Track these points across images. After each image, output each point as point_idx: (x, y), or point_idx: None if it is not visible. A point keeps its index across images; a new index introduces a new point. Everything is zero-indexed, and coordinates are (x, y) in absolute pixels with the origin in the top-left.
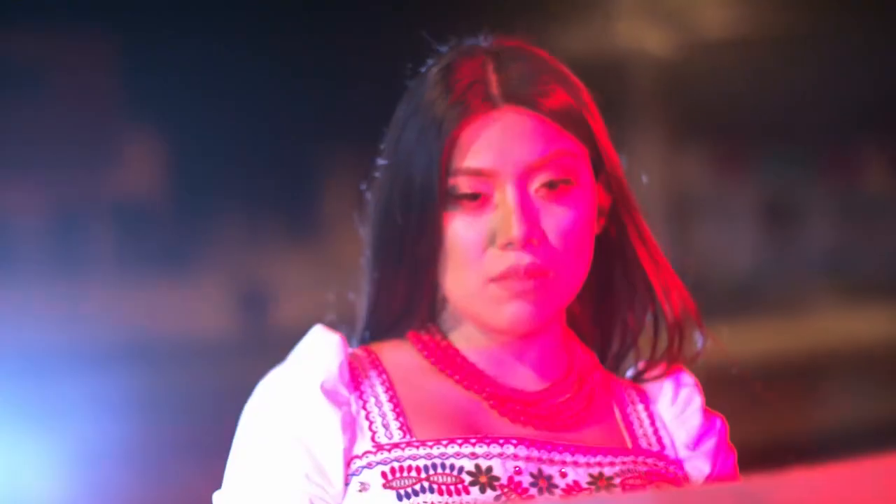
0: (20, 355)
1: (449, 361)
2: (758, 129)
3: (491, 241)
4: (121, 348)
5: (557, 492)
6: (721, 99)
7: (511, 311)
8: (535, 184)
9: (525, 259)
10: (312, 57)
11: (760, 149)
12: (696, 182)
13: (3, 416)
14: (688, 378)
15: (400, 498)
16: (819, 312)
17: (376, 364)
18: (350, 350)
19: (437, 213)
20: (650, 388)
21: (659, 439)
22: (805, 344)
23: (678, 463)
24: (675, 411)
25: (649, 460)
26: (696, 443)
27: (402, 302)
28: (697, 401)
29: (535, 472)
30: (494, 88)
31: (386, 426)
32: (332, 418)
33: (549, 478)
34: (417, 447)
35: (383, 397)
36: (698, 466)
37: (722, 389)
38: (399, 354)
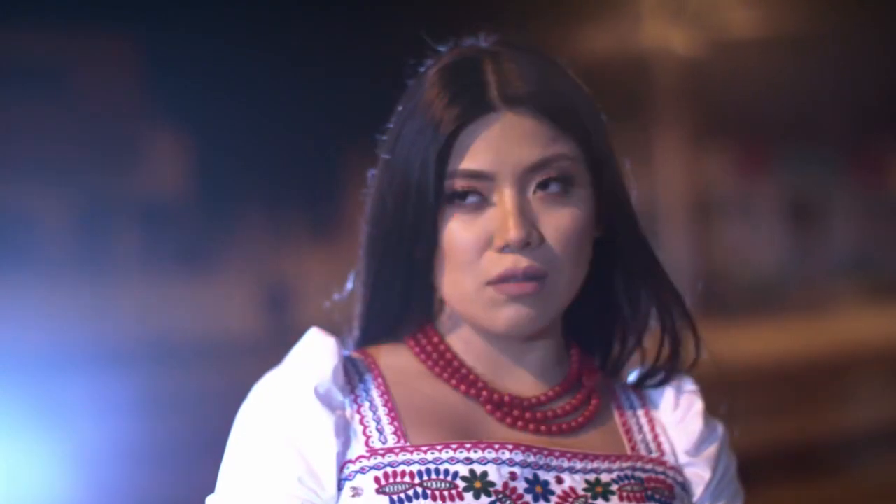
0: (45, 353)
1: (446, 365)
2: (782, 128)
3: (488, 243)
4: (144, 347)
5: (553, 498)
6: (745, 98)
7: (509, 314)
8: (533, 186)
9: (522, 262)
10: (337, 59)
11: (784, 147)
12: (719, 181)
13: (29, 412)
14: (689, 383)
15: (393, 503)
16: (843, 311)
17: (372, 367)
18: (347, 353)
19: (433, 215)
20: (651, 393)
21: (659, 445)
22: (829, 342)
23: (678, 469)
24: (676, 417)
25: (648, 466)
26: (697, 449)
27: (398, 304)
28: (698, 406)
29: (530, 477)
30: (493, 90)
31: (380, 430)
32: (325, 422)
33: (545, 484)
34: (411, 452)
35: (378, 401)
36: (698, 473)
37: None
38: (396, 358)
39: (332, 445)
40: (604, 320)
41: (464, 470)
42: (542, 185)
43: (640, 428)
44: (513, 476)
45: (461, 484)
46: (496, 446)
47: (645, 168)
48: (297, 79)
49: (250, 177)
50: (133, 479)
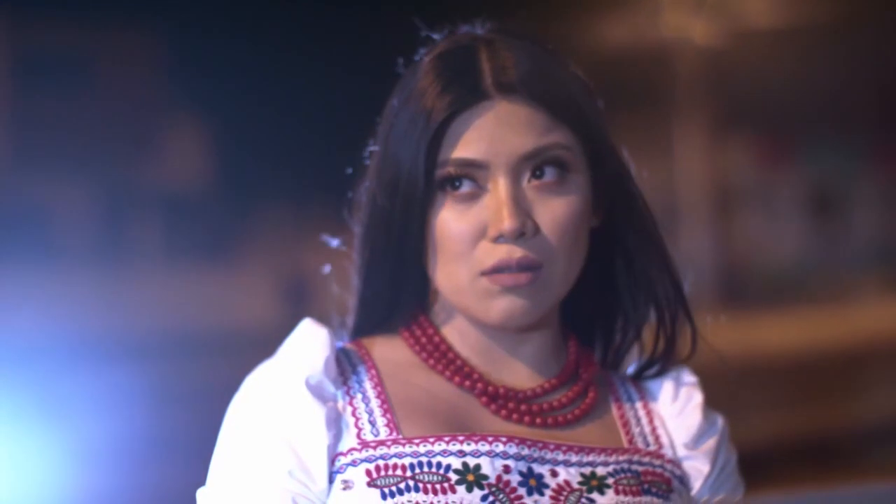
0: (65, 345)
1: (440, 357)
2: (804, 119)
3: (482, 233)
4: (163, 339)
5: (547, 491)
6: (767, 88)
7: (503, 305)
8: (528, 175)
9: (517, 252)
10: (360, 52)
11: (806, 138)
12: (740, 172)
13: (47, 406)
14: (689, 376)
15: (384, 496)
16: (866, 302)
17: (366, 359)
18: (340, 344)
19: (426, 205)
20: (650, 385)
21: (657, 438)
22: (851, 333)
23: (676, 462)
24: (675, 409)
25: (645, 459)
26: (696, 442)
27: (392, 294)
28: (698, 399)
29: (524, 470)
30: (487, 77)
31: (372, 423)
32: (316, 414)
33: (540, 477)
34: (404, 445)
35: (371, 393)
36: (697, 466)
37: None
38: (390, 349)
39: (323, 438)
40: (603, 311)
41: (456, 463)
42: (537, 174)
43: (638, 421)
44: (506, 469)
45: (454, 477)
46: (490, 439)
47: (665, 159)
48: (320, 71)
49: (272, 170)
50: (152, 470)
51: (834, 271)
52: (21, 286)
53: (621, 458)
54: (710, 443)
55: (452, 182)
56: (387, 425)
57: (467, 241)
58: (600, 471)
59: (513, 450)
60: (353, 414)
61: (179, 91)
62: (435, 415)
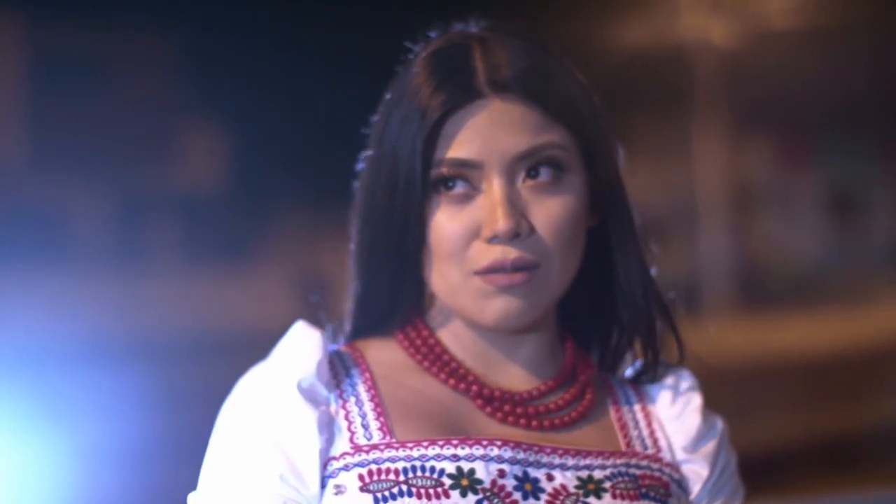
0: (81, 347)
1: (435, 359)
2: (822, 120)
3: (476, 233)
4: (181, 342)
5: (543, 496)
6: (785, 90)
7: (498, 305)
8: (523, 175)
9: (511, 253)
10: (377, 55)
11: (825, 139)
12: (759, 173)
13: (63, 406)
14: (688, 377)
15: (377, 501)
16: (884, 303)
17: (360, 362)
18: (335, 347)
19: (420, 205)
20: (649, 387)
21: (655, 441)
22: (870, 334)
23: (674, 466)
24: (674, 412)
25: (643, 463)
26: (694, 445)
27: (387, 297)
28: (697, 401)
29: (520, 474)
30: (481, 76)
31: (365, 426)
32: (308, 418)
33: (535, 481)
34: (397, 449)
35: (364, 396)
36: (696, 470)
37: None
38: (384, 352)
39: (315, 442)
40: (601, 312)
41: (450, 467)
42: (532, 174)
43: (636, 423)
44: (501, 473)
45: (447, 482)
46: (484, 442)
47: (684, 160)
48: (339, 74)
49: (290, 173)
50: (166, 472)
51: (853, 272)
52: (37, 288)
53: (619, 461)
54: (710, 446)
55: (446, 182)
56: (380, 429)
57: (461, 242)
58: (597, 474)
59: (508, 454)
60: (346, 417)
61: (197, 94)
62: (429, 418)
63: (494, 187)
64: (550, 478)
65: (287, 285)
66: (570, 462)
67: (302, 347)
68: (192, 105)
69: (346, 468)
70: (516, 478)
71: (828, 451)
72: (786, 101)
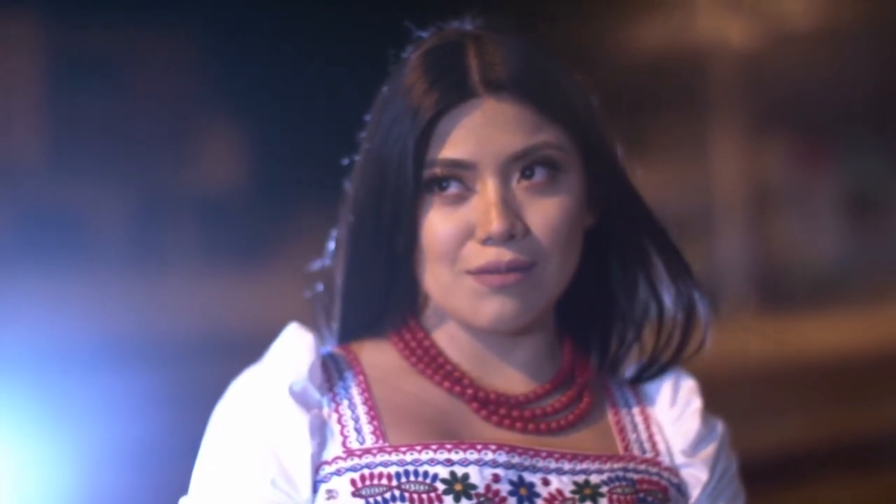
0: (98, 348)
1: (430, 361)
2: (841, 120)
3: (469, 234)
4: (199, 342)
5: (539, 501)
6: (804, 90)
7: (493, 306)
8: (517, 175)
9: (506, 255)
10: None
11: (844, 140)
12: (778, 173)
13: (77, 406)
14: (688, 379)
15: None
16: None
17: (353, 364)
18: (328, 350)
19: (412, 205)
20: (648, 389)
21: (654, 444)
22: (890, 334)
23: (673, 470)
24: (673, 415)
25: (641, 467)
26: (694, 448)
27: (380, 299)
28: (696, 404)
29: (515, 479)
30: (474, 75)
31: (358, 430)
32: (299, 422)
33: (531, 486)
34: (390, 453)
35: (358, 399)
36: (695, 474)
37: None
38: (379, 354)
39: (306, 446)
40: (599, 313)
41: (444, 472)
42: (527, 175)
43: (635, 426)
44: (496, 478)
45: (441, 486)
46: (479, 447)
47: (702, 161)
48: (358, 76)
49: (308, 174)
50: (185, 474)
51: (872, 272)
52: (57, 289)
53: (616, 465)
54: (709, 450)
55: (440, 183)
56: (373, 433)
57: (454, 242)
58: (594, 479)
59: (503, 458)
60: (339, 421)
61: (216, 96)
62: (424, 422)
63: (489, 188)
64: (546, 482)
65: (304, 286)
66: (567, 466)
67: (294, 350)
68: (211, 108)
69: (338, 473)
70: (511, 482)
71: (846, 451)
72: (803, 102)
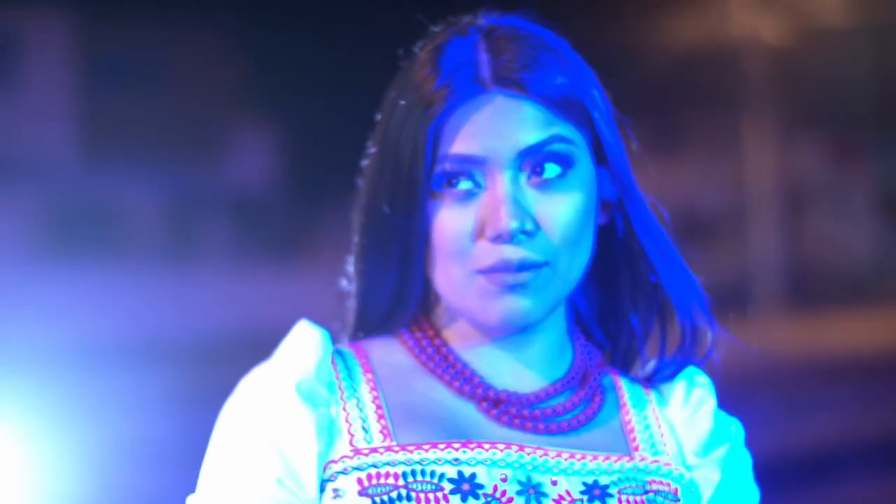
0: (132, 343)
1: (440, 360)
2: (875, 118)
3: (480, 232)
4: (232, 340)
5: (547, 501)
6: (837, 87)
7: (503, 305)
8: (528, 171)
9: (517, 253)
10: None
11: (877, 137)
12: (811, 171)
13: (115, 403)
14: (702, 379)
15: None
16: None
17: (363, 362)
18: (338, 347)
19: (422, 202)
20: (661, 389)
21: (665, 444)
22: None
23: (685, 470)
24: (685, 415)
25: (652, 467)
26: (706, 449)
27: (391, 296)
28: (710, 403)
29: (523, 479)
30: (485, 70)
31: (366, 429)
32: (306, 420)
33: (539, 486)
34: (397, 452)
35: (366, 398)
36: (707, 474)
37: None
38: (389, 352)
39: (312, 445)
40: (612, 312)
41: (451, 471)
42: (538, 171)
43: (647, 426)
44: (504, 478)
45: (448, 486)
46: (487, 446)
47: (735, 158)
48: (390, 72)
49: (342, 170)
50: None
51: None
52: (88, 285)
53: (627, 465)
54: (721, 450)
55: (450, 179)
56: (381, 431)
57: (464, 240)
58: (603, 479)
59: (511, 458)
60: (347, 420)
61: (249, 91)
62: (432, 421)
63: (498, 185)
64: (555, 483)
65: (337, 284)
66: (576, 467)
67: (303, 348)
68: (244, 103)
69: (344, 472)
70: (519, 482)
71: (881, 451)
72: (838, 99)
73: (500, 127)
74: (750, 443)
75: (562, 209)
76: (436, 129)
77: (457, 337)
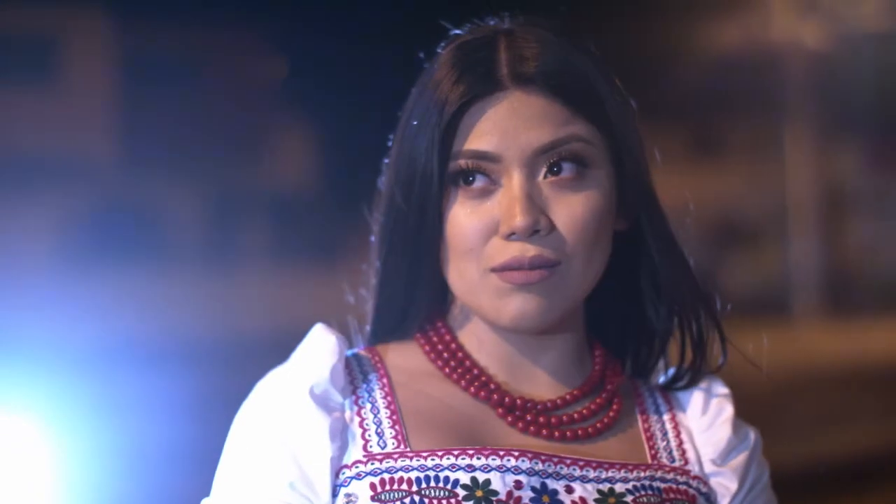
0: (171, 345)
1: (457, 365)
2: None
3: (493, 230)
4: (272, 341)
5: None
6: (877, 92)
7: (516, 304)
8: (544, 170)
9: (530, 250)
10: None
11: None
12: (851, 176)
13: (152, 404)
14: (720, 387)
15: None
16: None
17: (378, 367)
18: (354, 351)
19: (437, 199)
20: (679, 396)
21: (683, 453)
22: None
23: (702, 479)
24: (704, 423)
25: (669, 475)
26: (724, 457)
27: (407, 296)
28: (728, 412)
29: (537, 486)
30: (503, 68)
31: (380, 434)
32: (320, 425)
33: (554, 493)
34: (411, 458)
35: (381, 403)
36: (724, 483)
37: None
38: (405, 356)
39: (326, 450)
40: (630, 319)
41: (465, 478)
42: (554, 170)
43: (664, 434)
44: (518, 485)
45: (461, 492)
46: (501, 453)
47: (776, 163)
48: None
49: (380, 170)
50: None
51: None
52: (127, 287)
53: (643, 473)
54: (740, 459)
55: (465, 176)
56: (395, 437)
57: (478, 238)
58: (619, 487)
59: (525, 464)
60: (361, 425)
61: (289, 93)
62: (448, 427)
63: (514, 182)
64: (570, 490)
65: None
66: (591, 474)
67: (318, 352)
68: (283, 105)
69: (357, 477)
70: (534, 489)
71: None
72: (878, 104)
73: (517, 124)
74: (784, 448)
75: (577, 209)
76: (451, 125)
77: (473, 340)
